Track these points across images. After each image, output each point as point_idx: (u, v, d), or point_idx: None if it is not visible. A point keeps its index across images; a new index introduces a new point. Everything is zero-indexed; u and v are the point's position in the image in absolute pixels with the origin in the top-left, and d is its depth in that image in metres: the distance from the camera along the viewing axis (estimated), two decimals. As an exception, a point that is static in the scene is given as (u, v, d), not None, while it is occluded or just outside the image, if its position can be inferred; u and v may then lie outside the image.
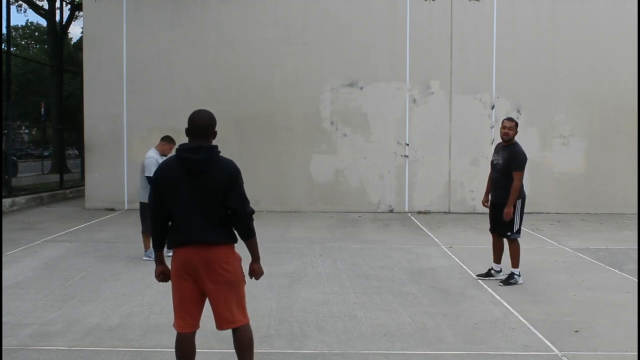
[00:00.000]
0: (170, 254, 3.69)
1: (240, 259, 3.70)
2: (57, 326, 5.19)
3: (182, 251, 3.54)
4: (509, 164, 6.87)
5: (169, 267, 3.70)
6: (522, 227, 6.99)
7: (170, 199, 3.53)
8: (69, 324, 5.24)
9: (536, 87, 13.56)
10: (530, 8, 13.59)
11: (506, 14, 13.56)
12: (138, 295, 6.19)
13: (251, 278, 3.82)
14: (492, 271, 7.09)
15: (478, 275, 7.18)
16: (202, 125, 3.55)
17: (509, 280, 6.84)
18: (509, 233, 6.86)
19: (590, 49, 13.53)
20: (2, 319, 5.17)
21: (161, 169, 3.61)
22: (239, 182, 3.55)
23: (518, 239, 6.91)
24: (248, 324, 3.68)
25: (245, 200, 3.57)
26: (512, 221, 6.82)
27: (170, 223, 3.62)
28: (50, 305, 5.83)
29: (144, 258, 7.99)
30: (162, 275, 3.74)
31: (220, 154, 3.57)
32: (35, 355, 4.53)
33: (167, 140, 8.42)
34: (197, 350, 3.75)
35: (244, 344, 3.64)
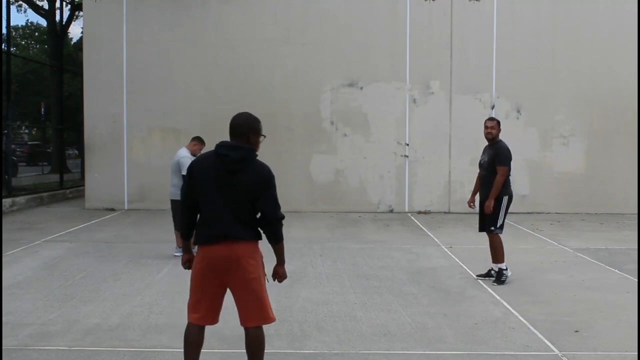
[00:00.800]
0: (179, 253, 3.74)
1: (262, 257, 3.75)
2: (57, 326, 5.19)
3: (208, 248, 3.60)
4: (493, 161, 6.91)
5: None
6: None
7: (202, 193, 3.60)
8: (69, 324, 5.24)
9: (536, 87, 13.56)
10: (530, 8, 13.59)
11: (506, 14, 13.56)
12: (138, 295, 6.19)
13: (274, 280, 3.88)
14: (492, 271, 7.10)
15: (478, 275, 7.19)
16: (237, 126, 3.65)
17: (500, 278, 6.86)
18: (492, 228, 6.91)
19: (590, 49, 13.53)
20: (2, 319, 5.17)
21: (197, 162, 3.68)
22: (272, 187, 3.64)
23: (500, 234, 6.93)
24: (262, 326, 3.72)
25: (277, 205, 3.65)
26: (496, 216, 6.86)
27: (198, 218, 3.68)
28: (50, 305, 5.83)
29: (175, 254, 8.14)
30: (189, 262, 3.83)
31: (257, 158, 3.67)
32: (35, 355, 4.53)
33: (199, 140, 8.63)
34: None
35: (254, 343, 3.70)
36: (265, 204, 3.59)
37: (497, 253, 6.93)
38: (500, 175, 6.83)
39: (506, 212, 6.95)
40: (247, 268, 3.58)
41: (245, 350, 3.80)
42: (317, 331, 5.11)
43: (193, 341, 3.70)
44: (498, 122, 7.09)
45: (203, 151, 7.87)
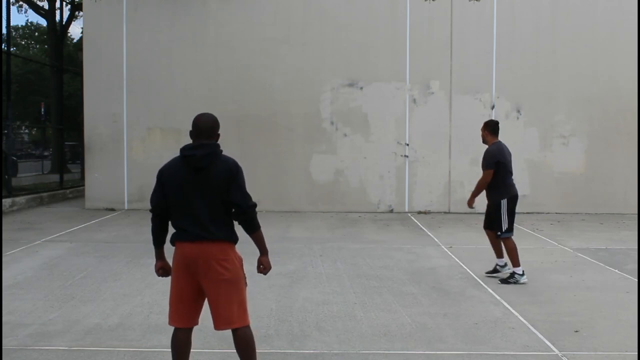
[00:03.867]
0: None
1: (241, 260, 3.71)
2: (57, 326, 5.19)
3: (182, 246, 3.60)
4: (482, 163, 7.09)
5: (170, 263, 3.76)
6: (515, 226, 7.03)
7: (173, 196, 3.61)
8: (69, 324, 5.24)
9: (536, 87, 13.56)
10: (530, 8, 13.59)
11: (506, 14, 13.56)
12: (138, 295, 6.19)
13: (259, 272, 3.84)
14: (498, 267, 7.16)
15: (487, 273, 7.22)
16: (204, 127, 3.65)
17: (508, 280, 6.87)
18: (498, 233, 6.95)
19: (590, 49, 13.53)
20: (2, 319, 5.17)
21: (165, 167, 3.70)
22: (239, 178, 3.62)
23: (512, 237, 6.93)
24: (248, 327, 3.67)
25: (246, 195, 3.63)
26: (499, 220, 6.90)
27: (171, 220, 3.69)
28: (50, 305, 5.83)
29: None
30: (162, 270, 3.81)
31: (223, 153, 3.66)
32: (35, 355, 4.53)
33: None
34: (197, 350, 3.80)
35: (242, 345, 3.65)
36: (234, 194, 3.58)
37: (511, 257, 6.89)
38: (482, 177, 6.94)
39: (510, 215, 6.92)
40: (218, 269, 3.54)
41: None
42: (317, 331, 5.11)
43: (179, 348, 3.68)
44: (485, 125, 7.15)
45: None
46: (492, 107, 13.62)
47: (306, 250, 8.66)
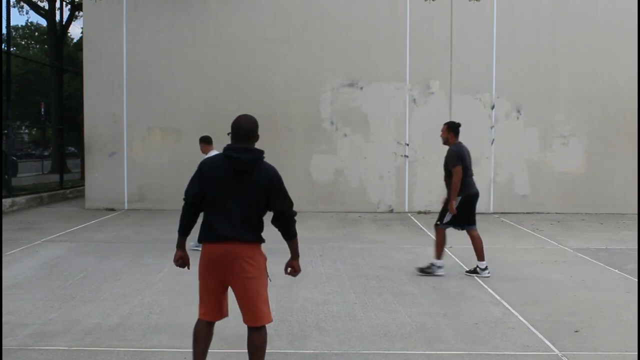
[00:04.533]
0: (198, 247, 3.84)
1: (265, 259, 3.80)
2: (57, 326, 5.19)
3: (212, 246, 3.65)
4: (446, 163, 7.35)
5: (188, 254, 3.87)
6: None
7: (211, 193, 3.66)
8: (69, 324, 5.24)
9: (536, 87, 13.56)
10: (530, 8, 13.59)
11: (506, 14, 13.56)
12: (138, 295, 6.19)
13: (287, 273, 3.98)
14: (478, 269, 7.27)
15: (467, 272, 7.39)
16: (246, 129, 3.72)
17: (425, 270, 7.27)
18: (438, 222, 7.34)
19: (590, 49, 13.53)
20: (2, 319, 5.17)
21: (208, 162, 3.76)
22: (283, 186, 3.73)
23: (442, 227, 7.31)
24: (265, 327, 3.77)
25: (291, 203, 3.77)
26: (444, 212, 7.26)
27: (203, 217, 3.74)
28: (50, 305, 5.83)
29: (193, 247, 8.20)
30: (181, 260, 3.86)
31: (263, 156, 3.75)
32: (35, 355, 4.53)
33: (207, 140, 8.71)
34: None
35: (259, 343, 3.74)
36: (281, 202, 3.71)
37: (476, 249, 7.23)
38: (454, 175, 7.14)
39: (468, 210, 7.20)
40: (246, 267, 3.62)
41: (244, 351, 3.81)
42: (317, 331, 5.11)
43: (200, 337, 3.77)
44: (447, 127, 7.54)
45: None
46: (492, 107, 13.62)
47: (306, 250, 8.65)
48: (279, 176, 3.72)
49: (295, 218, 3.80)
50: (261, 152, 3.70)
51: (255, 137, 3.75)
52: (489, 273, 7.18)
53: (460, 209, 7.14)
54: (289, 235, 3.83)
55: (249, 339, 3.74)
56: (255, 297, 3.68)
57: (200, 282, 3.76)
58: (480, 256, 7.23)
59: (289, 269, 3.94)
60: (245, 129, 3.70)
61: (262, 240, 3.75)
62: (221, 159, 3.68)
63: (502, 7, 13.55)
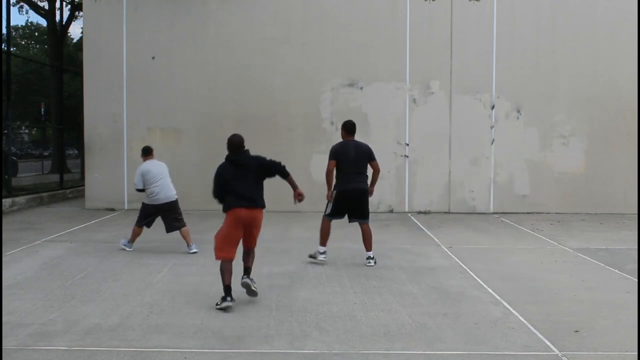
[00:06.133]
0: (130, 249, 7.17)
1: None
2: (57, 326, 5.19)
3: (238, 210, 5.84)
4: None
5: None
6: (332, 214, 7.90)
7: (229, 183, 5.93)
8: (69, 324, 5.24)
9: (536, 87, 13.56)
10: (530, 8, 13.58)
11: (506, 14, 13.56)
12: (138, 295, 6.19)
13: (299, 202, 6.25)
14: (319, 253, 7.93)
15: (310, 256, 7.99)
16: (238, 144, 6.07)
17: (314, 257, 7.88)
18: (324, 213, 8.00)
19: (590, 49, 13.53)
20: (2, 319, 5.17)
21: (221, 169, 6.03)
22: (263, 158, 6.11)
23: (329, 221, 7.97)
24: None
25: (274, 161, 6.11)
26: (327, 206, 7.95)
27: (225, 197, 5.94)
28: (50, 305, 5.83)
29: (123, 246, 8.74)
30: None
31: (250, 153, 6.09)
32: (35, 355, 4.53)
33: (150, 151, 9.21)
34: (197, 350, 4.18)
35: (252, 257, 6.16)
36: (267, 164, 6.09)
37: (320, 235, 7.95)
38: (327, 169, 7.89)
39: (335, 204, 7.83)
40: (258, 224, 6.04)
41: (244, 351, 3.80)
42: (317, 331, 5.11)
43: (227, 269, 5.80)
44: (342, 125, 8.02)
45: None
46: (492, 107, 13.62)
47: (306, 250, 8.63)
48: (261, 157, 6.09)
49: (283, 165, 6.09)
50: (247, 151, 6.07)
51: (243, 147, 6.06)
52: (324, 257, 7.85)
53: (335, 202, 7.80)
54: (284, 174, 6.13)
55: (245, 255, 6.11)
56: (256, 239, 6.16)
57: (225, 233, 5.86)
58: (323, 242, 7.91)
59: (297, 198, 6.17)
60: (236, 144, 6.05)
61: (264, 205, 6.04)
62: (227, 163, 6.03)
63: (502, 7, 13.55)
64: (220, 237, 5.89)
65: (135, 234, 8.73)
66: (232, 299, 5.62)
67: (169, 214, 8.78)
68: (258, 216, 5.95)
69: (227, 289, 5.68)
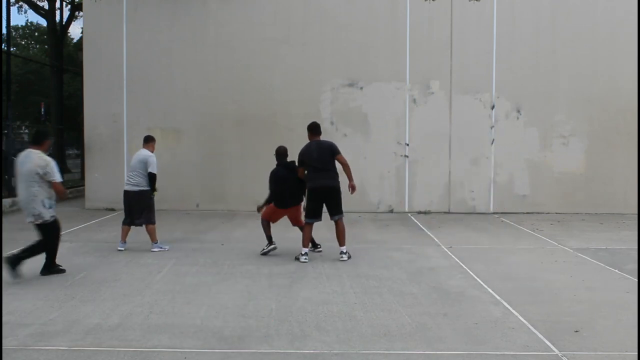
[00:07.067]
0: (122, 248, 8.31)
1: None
2: (57, 326, 5.19)
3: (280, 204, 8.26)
4: None
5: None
6: (309, 215, 8.04)
7: (280, 185, 8.05)
8: (69, 324, 5.24)
9: (536, 87, 13.56)
10: (530, 8, 13.59)
11: (506, 14, 13.56)
12: (138, 295, 6.19)
13: (353, 192, 8.07)
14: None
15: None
16: (284, 153, 8.30)
17: (299, 258, 7.89)
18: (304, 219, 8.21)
19: (590, 49, 13.53)
20: (2, 319, 5.17)
21: (274, 172, 8.20)
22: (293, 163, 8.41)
23: (310, 224, 8.07)
24: None
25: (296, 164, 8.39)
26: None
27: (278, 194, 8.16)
28: (50, 305, 5.83)
29: (119, 248, 8.74)
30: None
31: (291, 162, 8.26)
32: (35, 355, 4.53)
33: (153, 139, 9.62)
34: (197, 350, 4.25)
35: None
36: (293, 168, 8.37)
37: (303, 237, 8.05)
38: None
39: (309, 202, 8.07)
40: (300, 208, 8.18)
41: (244, 351, 3.79)
42: (317, 331, 5.11)
43: (266, 225, 8.29)
44: (308, 127, 8.49)
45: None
46: (492, 107, 13.62)
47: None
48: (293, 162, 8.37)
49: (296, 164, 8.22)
50: (292, 163, 8.29)
51: (287, 155, 8.36)
52: (306, 259, 7.87)
53: (308, 201, 8.06)
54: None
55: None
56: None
57: (273, 211, 8.26)
58: (305, 244, 8.01)
59: (353, 190, 8.08)
60: (283, 154, 8.35)
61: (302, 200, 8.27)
62: (280, 167, 8.28)
63: (502, 7, 13.56)
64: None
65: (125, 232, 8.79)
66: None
67: (133, 207, 8.68)
68: (297, 207, 8.34)
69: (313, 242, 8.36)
